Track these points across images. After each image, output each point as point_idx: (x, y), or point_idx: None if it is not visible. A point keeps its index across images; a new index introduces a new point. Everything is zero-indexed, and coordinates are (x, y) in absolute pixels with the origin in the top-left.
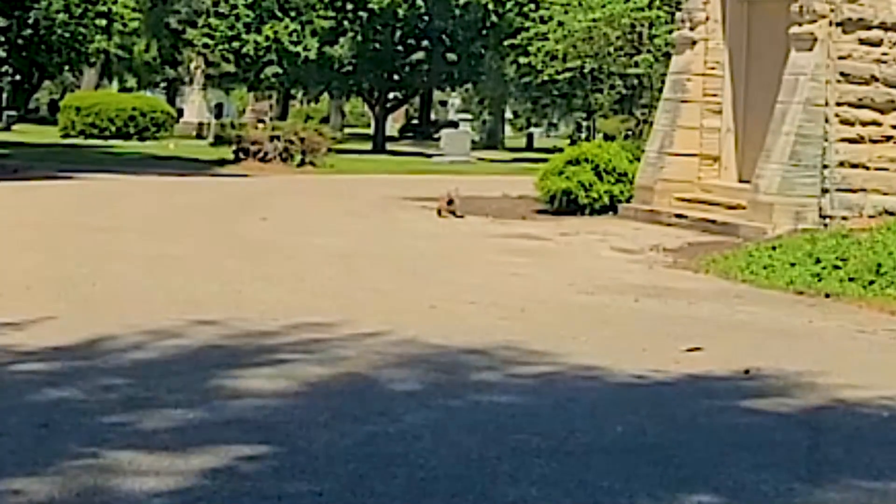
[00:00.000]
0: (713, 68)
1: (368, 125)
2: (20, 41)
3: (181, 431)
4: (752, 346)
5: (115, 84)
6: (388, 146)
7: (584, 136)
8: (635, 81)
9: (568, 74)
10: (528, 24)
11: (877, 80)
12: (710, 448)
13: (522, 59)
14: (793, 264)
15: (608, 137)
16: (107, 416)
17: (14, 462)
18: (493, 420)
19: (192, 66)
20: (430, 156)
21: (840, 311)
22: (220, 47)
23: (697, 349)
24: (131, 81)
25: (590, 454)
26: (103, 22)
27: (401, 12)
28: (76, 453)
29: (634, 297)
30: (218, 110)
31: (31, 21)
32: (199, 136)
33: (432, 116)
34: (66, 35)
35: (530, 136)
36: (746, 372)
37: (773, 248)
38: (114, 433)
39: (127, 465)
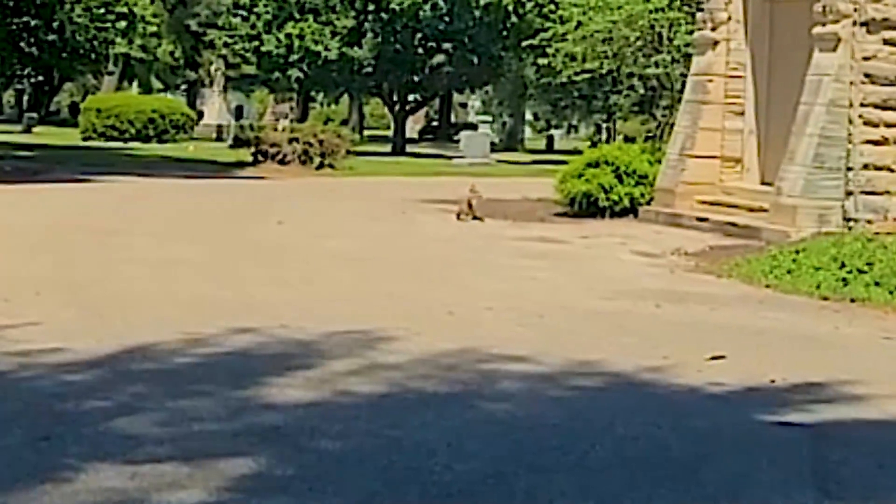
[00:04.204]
0: (735, 69)
1: (388, 127)
2: (44, 43)
3: (177, 444)
4: (777, 354)
5: (135, 86)
6: (408, 148)
7: (604, 137)
8: (655, 83)
9: (587, 76)
10: (547, 25)
11: None
12: (736, 463)
13: (542, 61)
14: (817, 269)
15: (628, 139)
16: (114, 424)
17: (12, 476)
18: (510, 433)
19: (213, 68)
20: (449, 158)
21: (866, 317)
22: (240, 47)
23: (721, 357)
24: (155, 84)
25: (610, 469)
26: (123, 24)
27: (422, 13)
28: (78, 466)
29: (655, 303)
30: (238, 112)
31: (55, 24)
32: (219, 139)
33: (452, 118)
34: (88, 38)
35: (550, 138)
36: (772, 381)
37: (797, 252)
38: (117, 442)
39: (143, 478)
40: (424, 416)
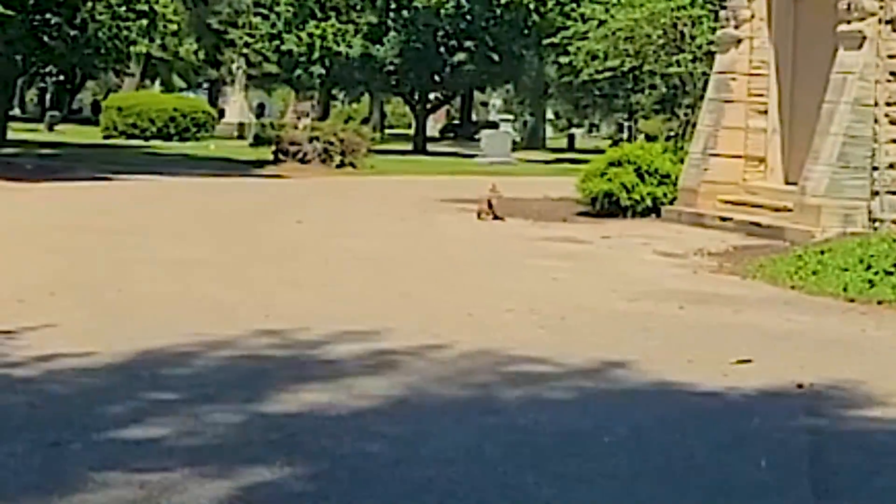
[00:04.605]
0: (758, 67)
1: (409, 126)
2: (67, 38)
3: (189, 452)
4: (804, 358)
5: (157, 85)
6: (429, 147)
7: (625, 136)
8: (677, 81)
9: (608, 74)
10: (568, 23)
11: None
12: (764, 473)
13: (563, 59)
14: (843, 270)
15: (650, 138)
16: (125, 430)
17: (18, 484)
18: (531, 441)
19: (234, 66)
20: (470, 156)
21: (894, 320)
22: (260, 46)
23: (746, 361)
24: (177, 82)
25: (634, 479)
26: (144, 22)
27: (443, 11)
28: (87, 474)
29: (679, 305)
30: (259, 110)
31: (76, 21)
32: (240, 137)
33: (473, 117)
34: (109, 35)
35: (571, 137)
36: (800, 386)
37: (822, 253)
38: (128, 449)
39: (153, 487)
40: (443, 421)
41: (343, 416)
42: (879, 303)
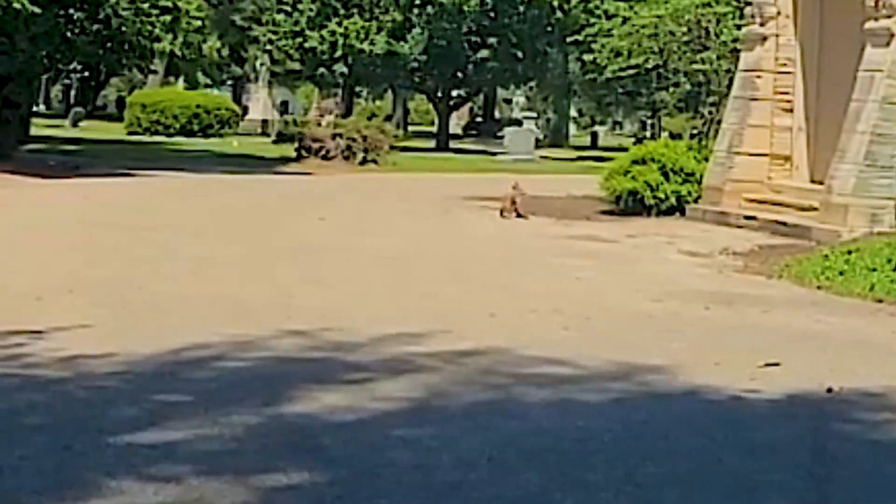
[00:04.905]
0: (784, 65)
1: (432, 123)
2: (90, 34)
3: (206, 457)
4: (833, 361)
5: (181, 82)
6: (452, 144)
7: (648, 134)
8: (701, 79)
9: (632, 72)
10: (592, 20)
11: None
12: (795, 481)
13: (587, 56)
14: (871, 270)
15: (674, 136)
16: (141, 434)
17: (29, 488)
18: (555, 446)
19: (258, 63)
20: (493, 154)
21: None
22: (284, 43)
23: (774, 364)
24: (201, 79)
25: (661, 487)
26: (168, 18)
27: (466, 8)
28: (99, 480)
29: (705, 305)
30: (283, 108)
31: (100, 17)
32: (264, 134)
33: (496, 114)
34: (133, 31)
35: (595, 135)
36: (829, 391)
37: (850, 253)
38: (143, 454)
39: (168, 494)
40: (465, 426)
41: (363, 420)
42: None
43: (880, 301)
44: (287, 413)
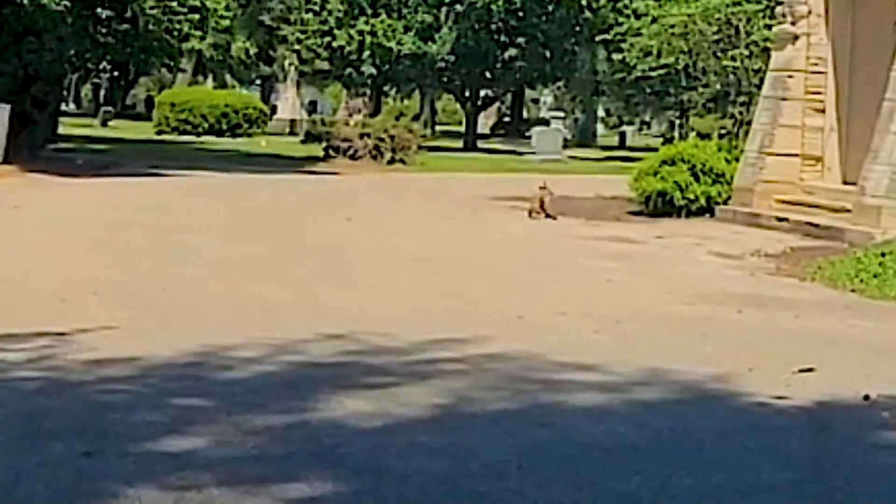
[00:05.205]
0: (816, 65)
1: (460, 122)
2: (119, 34)
3: (228, 466)
4: (869, 367)
5: (209, 81)
6: (480, 144)
7: (677, 134)
8: (731, 78)
9: (661, 71)
10: (621, 19)
11: None
12: (835, 494)
13: (616, 56)
14: None
15: (702, 136)
16: (162, 440)
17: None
18: (586, 455)
19: (286, 63)
20: (521, 154)
21: None
22: (312, 42)
23: (810, 370)
24: (230, 79)
25: (697, 498)
26: (196, 17)
27: (494, 7)
28: (118, 488)
29: (737, 308)
30: (312, 107)
31: (128, 15)
32: (292, 133)
33: (524, 114)
34: (161, 30)
35: (623, 135)
36: (866, 398)
37: (883, 255)
38: (164, 462)
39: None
40: (493, 433)
41: (388, 427)
42: None
43: None
44: (311, 419)
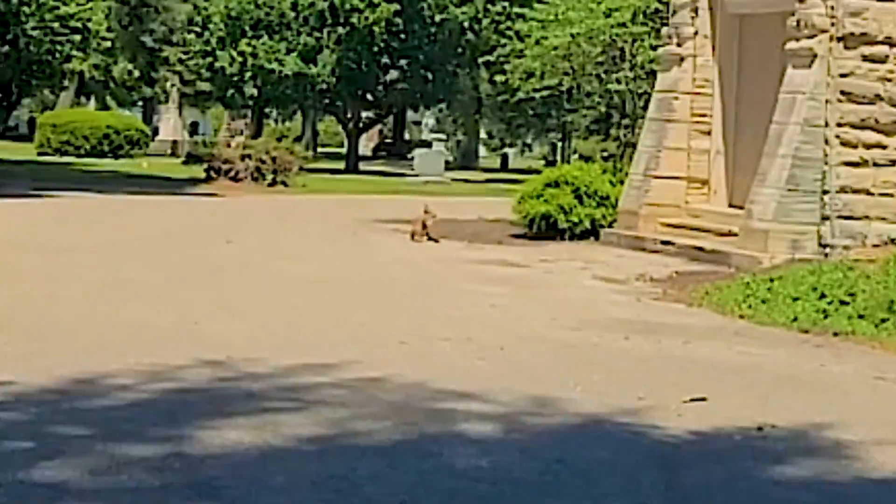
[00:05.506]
0: (702, 86)
1: (342, 144)
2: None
3: (104, 497)
4: (761, 396)
5: (92, 102)
6: (362, 166)
7: (559, 157)
8: (616, 100)
9: (545, 93)
10: (503, 41)
11: (881, 99)
12: None
13: (499, 78)
14: (795, 299)
15: (585, 158)
16: (36, 470)
17: None
18: (472, 488)
19: (168, 84)
20: (403, 176)
21: (852, 353)
22: (194, 63)
23: (701, 399)
24: (113, 101)
25: None
26: (78, 38)
27: (377, 29)
28: None
29: (624, 335)
30: (193, 128)
31: (9, 37)
32: (174, 154)
33: (406, 136)
34: (42, 51)
35: (505, 157)
36: (760, 429)
37: (772, 280)
38: (37, 493)
39: None
40: (376, 465)
41: (268, 458)
42: (835, 334)
43: (806, 332)
44: (188, 449)
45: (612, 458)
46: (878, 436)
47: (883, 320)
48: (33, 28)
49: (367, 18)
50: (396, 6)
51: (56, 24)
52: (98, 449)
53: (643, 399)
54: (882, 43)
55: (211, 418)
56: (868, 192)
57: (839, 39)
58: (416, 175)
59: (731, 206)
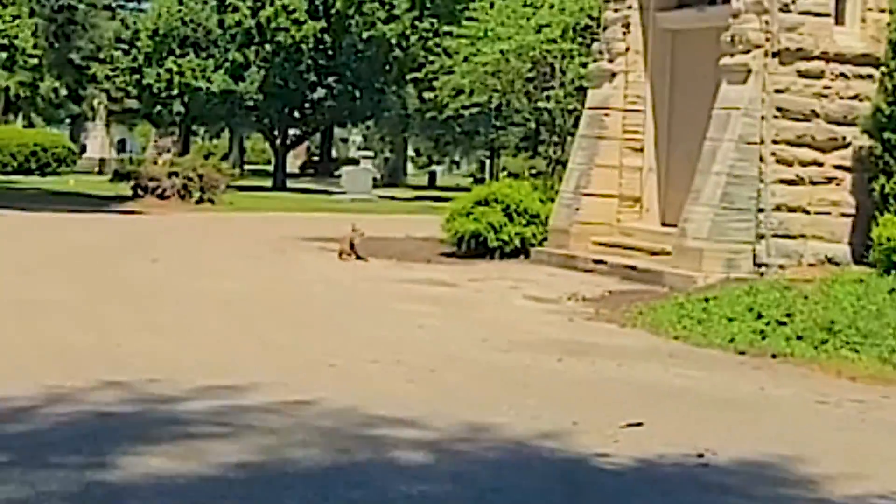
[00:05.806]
0: (634, 103)
1: (269, 162)
2: None
3: None
4: (700, 420)
5: (19, 120)
6: (289, 183)
7: (487, 174)
8: (546, 117)
9: (474, 110)
10: (431, 58)
11: (817, 115)
12: None
13: (427, 94)
14: (731, 319)
15: (514, 176)
16: None
17: None
18: None
19: (96, 101)
20: (330, 193)
21: (792, 375)
22: (122, 80)
23: (638, 424)
24: (40, 117)
25: None
26: (4, 55)
27: (305, 47)
28: None
29: (557, 356)
30: (121, 146)
31: None
32: (101, 172)
33: (333, 153)
34: None
35: (433, 174)
36: (700, 456)
37: (707, 300)
38: None
39: None
40: (305, 494)
41: (192, 488)
42: (773, 356)
43: (743, 353)
44: (110, 478)
45: (548, 487)
46: (826, 463)
47: (823, 342)
48: None
49: (293, 36)
50: (323, 23)
51: None
52: (16, 477)
53: (577, 424)
54: (818, 58)
55: (134, 444)
56: (804, 211)
57: (774, 55)
58: (344, 192)
59: (663, 224)
